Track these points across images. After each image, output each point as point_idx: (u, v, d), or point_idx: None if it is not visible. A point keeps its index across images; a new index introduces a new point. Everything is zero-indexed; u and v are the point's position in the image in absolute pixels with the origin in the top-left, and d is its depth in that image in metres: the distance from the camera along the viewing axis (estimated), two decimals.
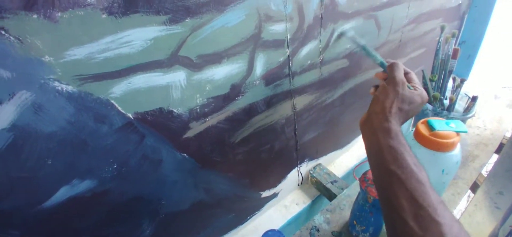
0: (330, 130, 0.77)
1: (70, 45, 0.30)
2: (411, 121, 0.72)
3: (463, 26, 1.07)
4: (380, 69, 0.50)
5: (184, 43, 0.38)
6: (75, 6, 0.29)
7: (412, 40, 0.84)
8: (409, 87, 0.43)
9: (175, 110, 0.42)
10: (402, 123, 0.41)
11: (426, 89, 0.65)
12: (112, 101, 0.36)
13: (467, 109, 0.65)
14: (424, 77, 0.65)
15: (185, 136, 0.46)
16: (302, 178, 0.79)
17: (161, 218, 0.50)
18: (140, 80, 0.37)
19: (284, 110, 0.60)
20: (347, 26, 0.61)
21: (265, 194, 0.70)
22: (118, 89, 0.35)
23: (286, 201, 0.78)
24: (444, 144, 0.43)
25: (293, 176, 0.75)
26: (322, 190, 0.77)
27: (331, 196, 0.73)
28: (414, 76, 0.46)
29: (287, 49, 0.52)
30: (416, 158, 0.35)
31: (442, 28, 0.64)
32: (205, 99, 0.45)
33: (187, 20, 0.37)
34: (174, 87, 0.40)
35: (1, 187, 0.32)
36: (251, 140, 0.57)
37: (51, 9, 0.28)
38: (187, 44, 0.39)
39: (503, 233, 0.47)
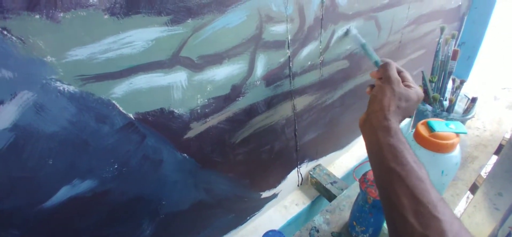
0: (330, 131, 0.77)
1: (72, 45, 0.30)
2: (411, 122, 0.72)
3: (462, 28, 1.07)
4: (375, 69, 0.50)
5: (186, 44, 0.39)
6: (77, 7, 0.29)
7: (412, 41, 0.84)
8: None
9: (176, 111, 0.42)
10: (401, 120, 0.41)
11: (426, 90, 0.66)
12: (114, 101, 0.36)
13: (467, 111, 0.65)
14: (423, 79, 0.65)
15: (185, 136, 0.46)
16: (302, 178, 0.79)
17: (161, 218, 0.50)
18: (142, 81, 0.37)
19: (284, 111, 0.60)
20: (354, 24, 0.61)
21: (265, 194, 0.70)
22: (119, 89, 0.35)
23: (286, 201, 0.78)
24: (444, 145, 0.43)
25: (293, 177, 0.75)
26: (321, 191, 0.77)
27: (330, 197, 0.73)
28: (407, 74, 0.46)
29: (287, 50, 0.52)
30: (415, 155, 0.36)
31: (442, 30, 0.64)
32: (206, 100, 0.45)
33: (188, 21, 0.37)
34: (175, 88, 0.41)
35: (2, 187, 0.32)
36: (251, 141, 0.57)
37: (53, 10, 0.28)
38: (189, 45, 0.39)
39: (502, 234, 0.48)
